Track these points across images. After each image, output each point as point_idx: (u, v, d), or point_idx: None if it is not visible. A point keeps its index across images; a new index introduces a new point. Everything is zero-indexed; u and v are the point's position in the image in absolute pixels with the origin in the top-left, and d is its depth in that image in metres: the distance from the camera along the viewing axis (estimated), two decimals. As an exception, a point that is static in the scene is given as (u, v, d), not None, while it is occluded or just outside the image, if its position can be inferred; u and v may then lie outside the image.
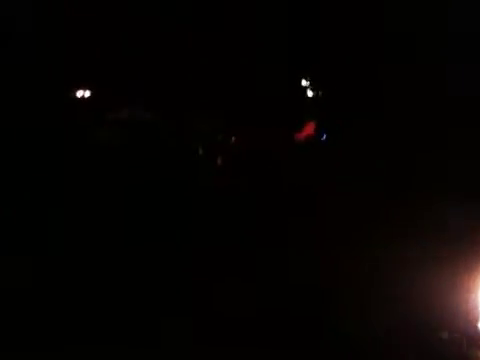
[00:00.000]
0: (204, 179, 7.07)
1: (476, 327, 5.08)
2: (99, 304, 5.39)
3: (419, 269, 5.66)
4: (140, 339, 5.01)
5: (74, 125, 7.13)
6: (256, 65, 7.65)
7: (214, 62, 7.46)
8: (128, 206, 6.54)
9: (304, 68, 8.06)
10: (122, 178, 6.84)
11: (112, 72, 7.21)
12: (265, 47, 7.65)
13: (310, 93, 8.25)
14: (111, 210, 6.51)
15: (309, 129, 7.93)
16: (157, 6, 7.38)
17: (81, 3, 7.17)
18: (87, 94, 7.30)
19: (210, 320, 5.22)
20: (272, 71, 7.76)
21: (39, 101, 6.97)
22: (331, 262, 5.92)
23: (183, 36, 7.45)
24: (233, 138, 7.68)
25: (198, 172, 7.16)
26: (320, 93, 8.24)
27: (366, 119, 7.59)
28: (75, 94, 7.28)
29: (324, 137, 7.94)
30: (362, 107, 7.67)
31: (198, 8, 7.47)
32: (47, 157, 6.81)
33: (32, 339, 4.89)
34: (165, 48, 7.40)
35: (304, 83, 8.20)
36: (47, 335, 4.96)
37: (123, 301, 5.47)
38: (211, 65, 7.48)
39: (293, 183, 7.15)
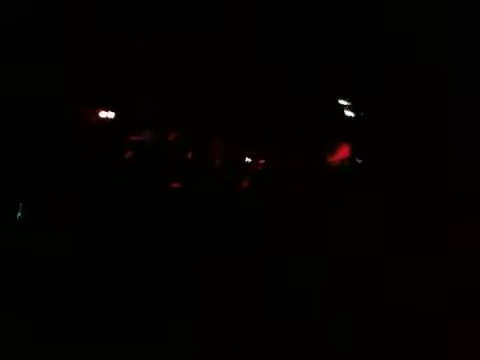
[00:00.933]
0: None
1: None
2: (102, 305, 5.39)
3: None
4: (142, 340, 5.02)
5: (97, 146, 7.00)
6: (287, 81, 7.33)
7: (239, 75, 7.20)
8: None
9: (344, 87, 7.67)
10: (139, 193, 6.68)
11: (134, 91, 7.07)
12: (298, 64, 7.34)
13: (349, 113, 7.82)
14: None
15: (344, 152, 7.45)
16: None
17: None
18: (110, 115, 7.14)
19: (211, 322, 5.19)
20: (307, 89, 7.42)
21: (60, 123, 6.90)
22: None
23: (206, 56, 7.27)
24: (258, 158, 7.32)
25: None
26: (360, 114, 7.80)
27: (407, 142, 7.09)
28: (98, 116, 7.13)
29: (359, 161, 7.43)
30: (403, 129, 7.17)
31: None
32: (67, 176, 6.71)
33: (34, 340, 4.90)
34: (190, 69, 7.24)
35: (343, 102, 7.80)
36: (48, 336, 4.98)
37: (127, 303, 5.46)
38: (235, 78, 7.22)
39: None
